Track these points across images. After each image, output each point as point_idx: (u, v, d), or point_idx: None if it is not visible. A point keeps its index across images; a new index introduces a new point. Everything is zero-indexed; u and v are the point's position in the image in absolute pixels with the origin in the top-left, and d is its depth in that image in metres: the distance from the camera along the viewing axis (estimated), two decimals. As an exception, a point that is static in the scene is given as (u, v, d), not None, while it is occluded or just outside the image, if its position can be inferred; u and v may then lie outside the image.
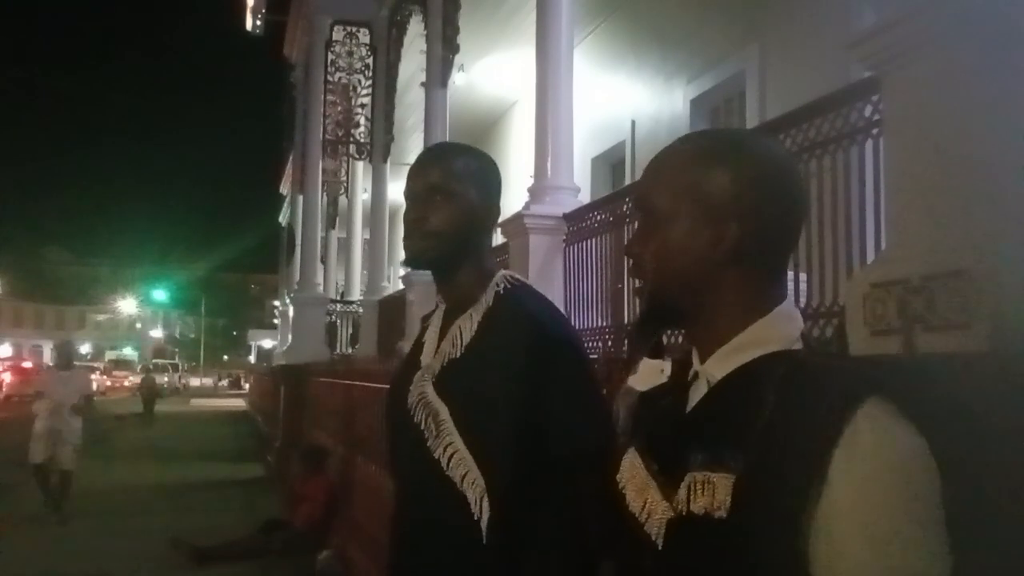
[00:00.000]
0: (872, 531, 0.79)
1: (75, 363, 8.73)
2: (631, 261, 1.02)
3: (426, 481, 1.40)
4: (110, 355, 54.40)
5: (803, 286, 2.75)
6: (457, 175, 1.50)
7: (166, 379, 40.73)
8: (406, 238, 1.52)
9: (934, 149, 1.92)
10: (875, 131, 2.33)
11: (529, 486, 1.36)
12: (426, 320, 1.63)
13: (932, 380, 1.60)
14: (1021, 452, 1.39)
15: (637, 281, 1.04)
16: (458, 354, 1.45)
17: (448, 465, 1.37)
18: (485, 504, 1.34)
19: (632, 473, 1.00)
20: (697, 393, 0.98)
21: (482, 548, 1.34)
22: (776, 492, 0.82)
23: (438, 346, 1.51)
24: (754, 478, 0.84)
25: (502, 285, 1.51)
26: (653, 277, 0.98)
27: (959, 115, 1.86)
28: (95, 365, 40.63)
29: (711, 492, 0.86)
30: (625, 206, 4.11)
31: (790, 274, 2.82)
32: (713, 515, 0.86)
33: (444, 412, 1.40)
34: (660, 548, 0.92)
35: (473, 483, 1.35)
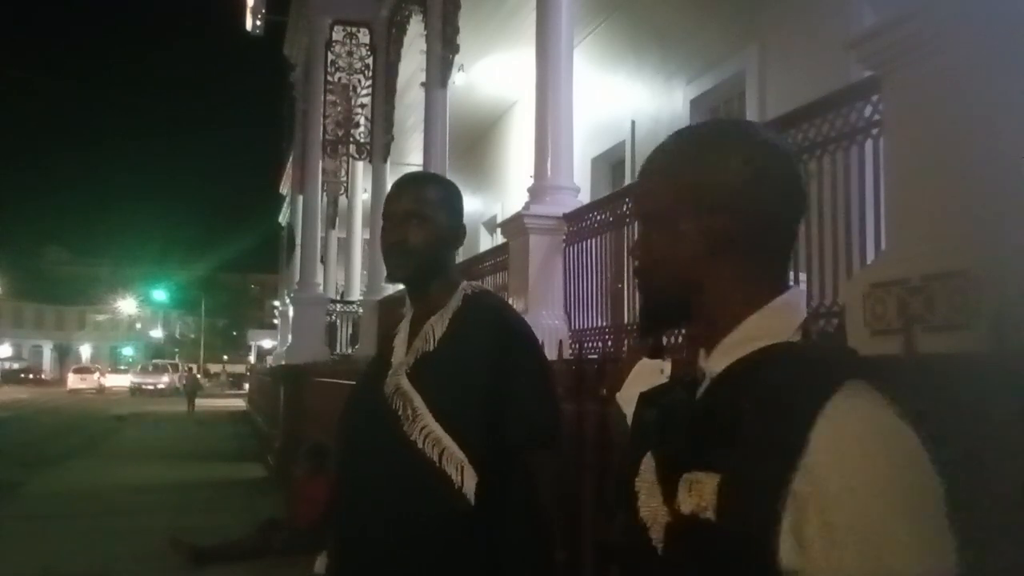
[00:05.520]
0: (844, 515, 0.75)
1: None
2: (635, 263, 1.03)
3: (402, 464, 1.54)
4: (230, 367, 50.96)
5: (803, 286, 2.75)
6: (429, 201, 1.71)
7: (166, 379, 40.89)
8: (386, 257, 1.73)
9: (934, 149, 1.92)
10: (875, 131, 2.33)
11: (497, 463, 1.51)
12: (392, 330, 1.81)
13: (932, 380, 1.60)
14: (1021, 451, 1.40)
15: (637, 283, 1.05)
16: (431, 348, 1.64)
17: (424, 445, 1.52)
18: (468, 472, 1.49)
19: (646, 477, 0.98)
20: (701, 391, 0.97)
21: (460, 521, 1.49)
22: (756, 488, 0.80)
23: (409, 346, 1.69)
24: (737, 475, 0.82)
25: (468, 290, 1.73)
26: (653, 276, 0.98)
27: (959, 115, 1.86)
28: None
29: (699, 493, 0.84)
30: (625, 206, 4.11)
31: (789, 273, 2.83)
32: (700, 516, 0.84)
33: (418, 400, 1.56)
34: (660, 553, 0.90)
35: (451, 458, 1.50)
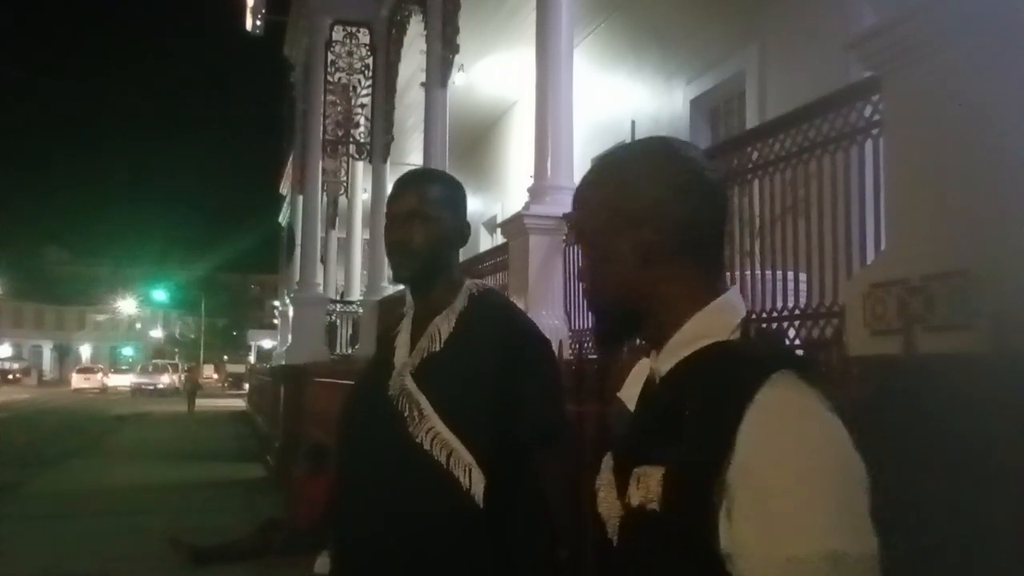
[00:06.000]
0: (772, 497, 0.80)
1: None
2: (583, 285, 1.09)
3: (407, 466, 1.53)
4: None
5: (803, 286, 2.75)
6: (433, 200, 1.69)
7: (166, 379, 40.89)
8: (390, 256, 1.70)
9: (934, 149, 1.92)
10: (875, 131, 2.33)
11: (506, 461, 1.50)
12: (391, 329, 1.78)
13: (932, 380, 1.60)
14: (1021, 451, 1.40)
15: (587, 303, 1.11)
16: (437, 348, 1.62)
17: (431, 447, 1.51)
18: (475, 475, 1.47)
19: (604, 475, 1.03)
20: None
21: (466, 521, 1.48)
22: (694, 478, 0.85)
23: (412, 346, 1.66)
24: (678, 467, 0.87)
25: (474, 289, 1.71)
26: (598, 294, 1.04)
27: (959, 115, 1.86)
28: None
29: (645, 485, 0.89)
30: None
31: (789, 274, 2.83)
32: (647, 508, 0.88)
33: (425, 401, 1.55)
34: (615, 545, 0.96)
35: (459, 460, 1.49)
